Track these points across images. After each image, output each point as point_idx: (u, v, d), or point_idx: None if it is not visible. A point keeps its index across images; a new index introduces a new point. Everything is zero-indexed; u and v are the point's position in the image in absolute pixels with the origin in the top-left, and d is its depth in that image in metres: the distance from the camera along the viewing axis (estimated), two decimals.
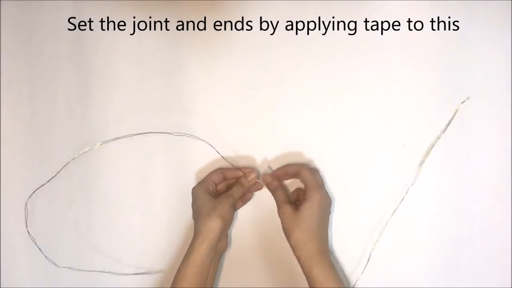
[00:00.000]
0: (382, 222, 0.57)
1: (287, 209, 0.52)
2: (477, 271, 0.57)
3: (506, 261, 0.56)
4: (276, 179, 0.56)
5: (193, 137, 0.58)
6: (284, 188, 0.57)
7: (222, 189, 0.57)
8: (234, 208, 0.54)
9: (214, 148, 0.57)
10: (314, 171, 0.55)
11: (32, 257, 0.60)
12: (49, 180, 0.58)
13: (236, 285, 0.59)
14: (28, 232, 0.59)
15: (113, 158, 0.60)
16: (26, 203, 0.59)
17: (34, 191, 0.59)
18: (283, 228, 0.52)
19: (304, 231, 0.50)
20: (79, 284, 0.60)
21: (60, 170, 0.59)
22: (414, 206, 0.57)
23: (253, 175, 0.56)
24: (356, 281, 0.57)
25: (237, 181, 0.56)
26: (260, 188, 0.57)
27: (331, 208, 0.55)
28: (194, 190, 0.55)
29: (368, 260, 0.57)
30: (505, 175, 0.56)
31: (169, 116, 0.59)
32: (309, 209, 0.51)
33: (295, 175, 0.55)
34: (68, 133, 0.60)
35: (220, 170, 0.56)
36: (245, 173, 0.56)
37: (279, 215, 0.53)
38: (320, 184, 0.53)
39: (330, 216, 0.55)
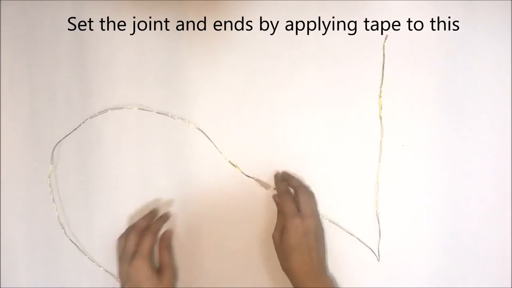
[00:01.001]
0: (382, 222, 0.57)
1: (276, 237, 0.54)
2: (477, 271, 0.57)
3: (506, 261, 0.56)
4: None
5: (175, 118, 0.58)
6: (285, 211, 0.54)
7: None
8: (151, 261, 0.54)
9: (207, 136, 0.58)
10: (300, 197, 0.54)
11: (32, 257, 0.60)
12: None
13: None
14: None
15: (112, 159, 0.60)
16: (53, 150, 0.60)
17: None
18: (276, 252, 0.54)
19: (286, 260, 0.52)
20: (79, 285, 0.60)
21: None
22: (414, 206, 0.57)
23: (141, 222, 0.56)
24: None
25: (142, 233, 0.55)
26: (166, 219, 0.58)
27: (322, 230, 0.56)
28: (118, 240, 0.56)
29: (379, 254, 0.57)
30: (505, 175, 0.56)
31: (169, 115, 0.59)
32: (286, 239, 0.52)
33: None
34: (68, 133, 0.60)
35: (143, 218, 0.57)
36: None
37: (272, 237, 0.55)
38: (297, 211, 0.53)
39: (324, 235, 0.56)
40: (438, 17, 0.56)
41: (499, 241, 0.56)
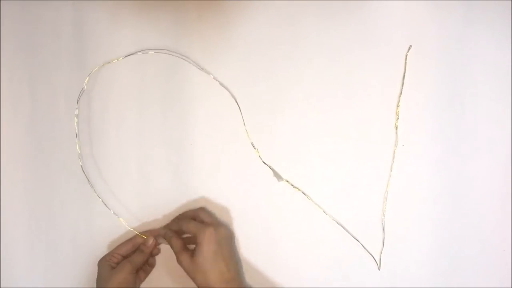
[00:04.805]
0: (382, 222, 0.57)
1: (185, 257, 0.53)
2: (477, 271, 0.57)
3: (506, 261, 0.56)
4: (169, 229, 0.56)
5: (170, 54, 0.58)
6: (179, 235, 0.56)
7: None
8: (134, 273, 0.54)
9: (239, 106, 0.58)
10: (198, 214, 0.56)
11: (32, 257, 0.60)
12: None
13: None
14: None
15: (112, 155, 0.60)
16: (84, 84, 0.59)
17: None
18: (187, 274, 0.52)
19: (203, 275, 0.51)
20: (79, 285, 0.60)
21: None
22: (414, 206, 0.57)
23: (151, 241, 0.56)
24: None
25: (138, 247, 0.57)
26: (158, 253, 0.59)
27: (230, 236, 0.56)
28: (98, 264, 0.55)
29: (380, 262, 0.57)
30: (505, 175, 0.56)
31: (169, 114, 0.59)
32: (201, 253, 0.51)
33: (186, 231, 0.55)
34: (68, 133, 0.60)
35: (128, 241, 0.57)
36: (144, 238, 0.57)
37: (179, 264, 0.53)
38: (203, 224, 0.54)
39: (235, 243, 0.58)
40: (438, 17, 0.56)
41: (499, 241, 0.56)
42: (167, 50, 0.58)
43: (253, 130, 0.58)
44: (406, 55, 0.56)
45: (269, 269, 0.58)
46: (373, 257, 0.57)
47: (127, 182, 0.59)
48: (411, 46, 0.56)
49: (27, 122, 0.60)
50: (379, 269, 0.57)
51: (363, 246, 0.57)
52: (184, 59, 0.58)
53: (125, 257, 0.56)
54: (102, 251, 0.59)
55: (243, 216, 0.59)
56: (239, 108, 0.58)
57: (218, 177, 0.59)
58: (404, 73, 0.56)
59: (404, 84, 0.56)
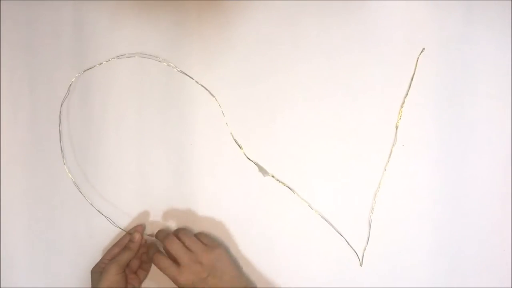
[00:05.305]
0: (381, 222, 0.57)
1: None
2: (477, 271, 0.57)
3: (506, 261, 0.56)
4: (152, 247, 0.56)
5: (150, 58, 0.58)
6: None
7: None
8: (122, 273, 0.53)
9: (221, 109, 0.57)
10: (198, 236, 0.55)
11: (32, 257, 0.60)
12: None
13: None
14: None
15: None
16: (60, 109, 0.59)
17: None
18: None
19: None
20: (79, 285, 0.60)
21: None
22: (414, 206, 0.57)
23: (137, 236, 0.55)
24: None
25: (126, 245, 0.56)
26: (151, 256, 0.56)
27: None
28: (90, 273, 0.55)
29: (362, 259, 0.57)
30: (505, 175, 0.56)
31: (169, 114, 0.59)
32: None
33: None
34: (68, 133, 0.60)
35: (115, 245, 0.56)
36: (130, 234, 0.56)
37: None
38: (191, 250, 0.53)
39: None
40: (438, 17, 0.56)
41: (499, 241, 0.56)
42: (141, 53, 0.58)
43: (252, 129, 0.58)
44: (418, 58, 0.56)
45: (265, 265, 0.59)
46: (356, 253, 0.57)
47: (127, 182, 0.59)
48: (424, 48, 0.56)
49: (27, 122, 0.60)
50: (360, 265, 0.57)
51: (347, 241, 0.57)
52: (161, 62, 0.58)
53: None
54: (102, 251, 0.59)
55: (242, 215, 0.59)
56: (220, 107, 0.58)
57: (218, 177, 0.59)
58: (413, 74, 0.56)
59: (411, 86, 0.56)
